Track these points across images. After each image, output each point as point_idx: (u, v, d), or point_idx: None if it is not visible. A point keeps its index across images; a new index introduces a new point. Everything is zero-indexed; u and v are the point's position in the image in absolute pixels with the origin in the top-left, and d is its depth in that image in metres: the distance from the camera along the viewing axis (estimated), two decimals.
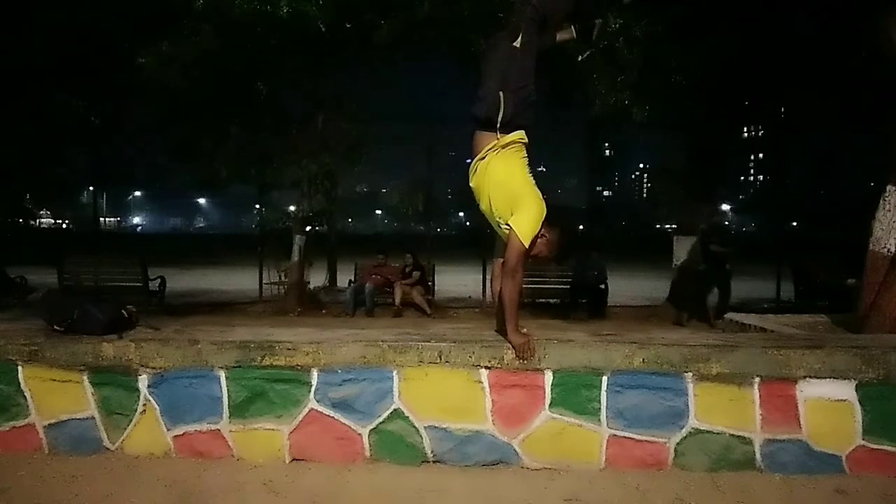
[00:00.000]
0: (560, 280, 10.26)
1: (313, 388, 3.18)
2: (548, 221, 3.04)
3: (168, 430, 3.21)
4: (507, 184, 3.03)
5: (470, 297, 11.82)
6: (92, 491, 2.85)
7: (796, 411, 3.08)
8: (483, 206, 3.15)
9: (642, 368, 3.10)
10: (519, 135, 3.05)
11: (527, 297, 10.17)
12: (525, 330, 3.19)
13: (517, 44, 2.99)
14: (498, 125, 3.00)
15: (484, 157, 3.05)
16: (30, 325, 3.52)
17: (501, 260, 3.08)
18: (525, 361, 3.09)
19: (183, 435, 3.22)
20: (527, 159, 3.12)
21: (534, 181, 3.10)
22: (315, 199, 11.06)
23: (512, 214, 3.00)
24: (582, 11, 3.20)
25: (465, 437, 3.14)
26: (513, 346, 3.09)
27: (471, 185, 3.17)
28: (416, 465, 3.16)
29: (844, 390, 3.07)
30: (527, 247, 2.95)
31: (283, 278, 11.02)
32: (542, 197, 3.05)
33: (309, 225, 11.21)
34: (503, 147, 3.02)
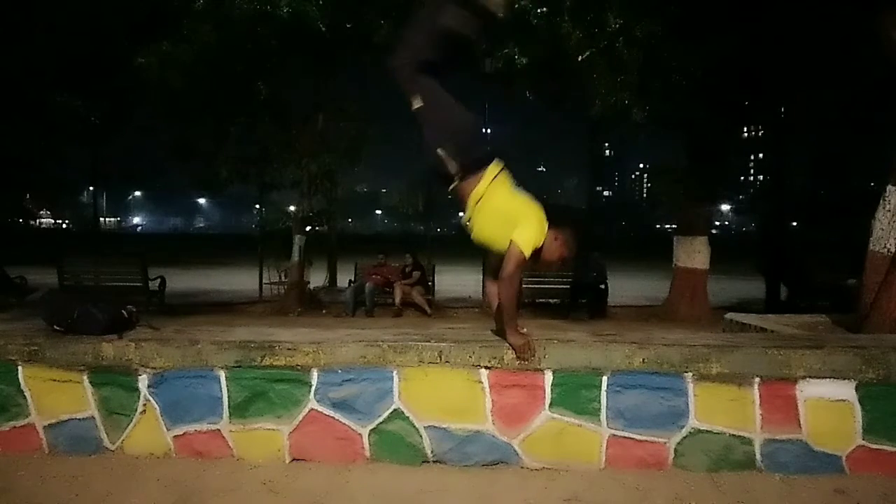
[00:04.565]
0: (560, 280, 10.26)
1: (313, 388, 3.18)
2: (554, 224, 3.04)
3: (168, 430, 3.21)
4: (501, 215, 3.00)
5: (470, 297, 11.83)
6: (92, 491, 2.85)
7: (796, 411, 3.08)
8: (493, 250, 3.12)
9: (642, 368, 3.10)
10: (489, 174, 3.01)
11: (527, 297, 10.17)
12: (525, 330, 3.19)
13: (417, 105, 2.92)
14: (456, 177, 2.99)
15: (470, 219, 3.06)
16: (30, 325, 3.51)
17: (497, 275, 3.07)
18: (525, 362, 3.09)
19: (183, 435, 3.22)
20: (507, 181, 3.07)
21: (524, 194, 3.07)
22: (315, 199, 11.07)
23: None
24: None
25: (465, 437, 3.14)
26: (513, 347, 3.09)
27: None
28: (416, 465, 3.16)
29: (844, 390, 3.07)
30: (527, 255, 2.94)
31: (283, 278, 11.02)
32: (537, 204, 3.03)
33: (309, 225, 11.21)
34: (480, 198, 3.00)
